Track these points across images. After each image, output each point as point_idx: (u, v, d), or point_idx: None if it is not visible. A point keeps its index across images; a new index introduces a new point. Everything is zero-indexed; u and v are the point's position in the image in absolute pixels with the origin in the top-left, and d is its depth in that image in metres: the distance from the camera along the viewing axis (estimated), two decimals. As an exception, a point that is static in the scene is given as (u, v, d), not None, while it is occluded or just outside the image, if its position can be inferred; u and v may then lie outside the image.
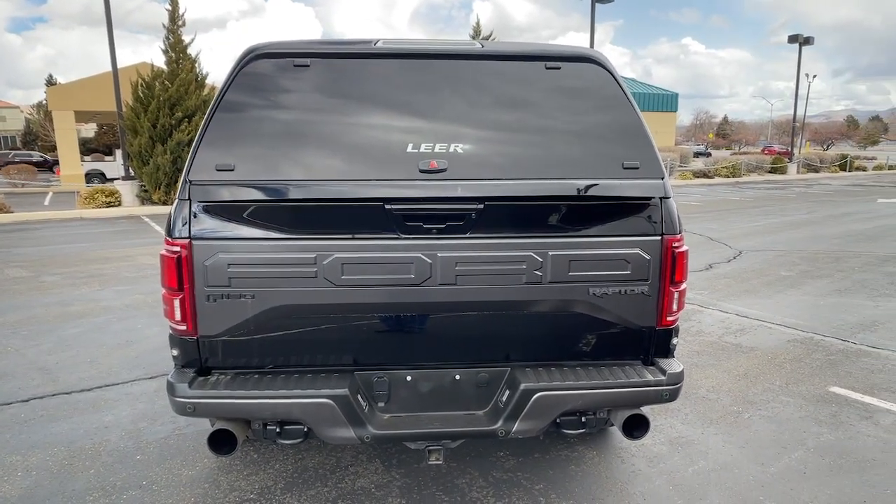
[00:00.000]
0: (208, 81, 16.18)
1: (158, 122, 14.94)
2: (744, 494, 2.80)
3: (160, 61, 15.77)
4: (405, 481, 2.93)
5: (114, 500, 2.75)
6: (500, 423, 2.21)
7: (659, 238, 2.25)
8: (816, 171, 31.97)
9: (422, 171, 2.16)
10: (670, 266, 2.25)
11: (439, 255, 2.15)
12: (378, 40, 2.36)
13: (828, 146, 63.26)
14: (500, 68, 2.34)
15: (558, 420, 2.28)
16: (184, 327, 2.19)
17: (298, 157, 2.18)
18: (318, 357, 2.28)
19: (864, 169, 35.28)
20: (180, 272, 2.14)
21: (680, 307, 2.33)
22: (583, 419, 2.32)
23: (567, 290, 2.22)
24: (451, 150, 2.19)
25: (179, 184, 2.21)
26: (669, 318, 2.31)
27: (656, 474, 2.98)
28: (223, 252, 2.13)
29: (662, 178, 2.25)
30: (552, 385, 2.19)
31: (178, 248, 2.14)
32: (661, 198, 2.25)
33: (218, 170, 2.14)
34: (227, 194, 2.13)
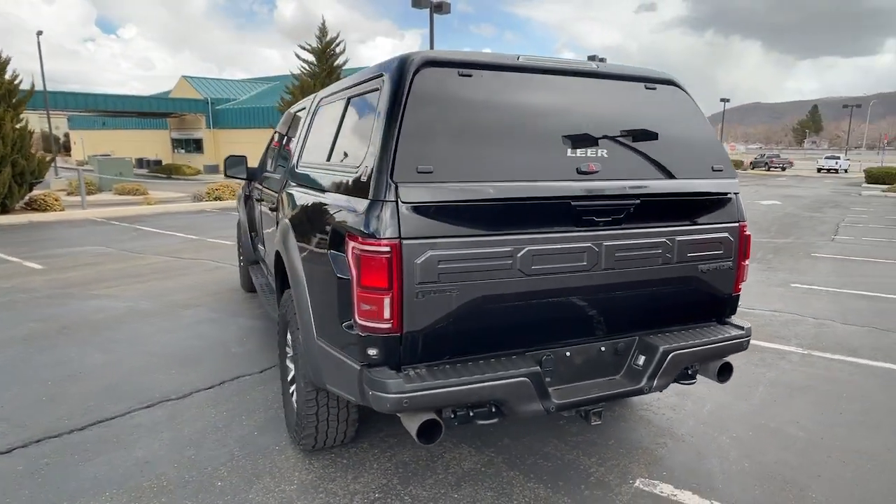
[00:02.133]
0: None
1: None
2: (748, 420, 3.61)
3: None
4: (504, 457, 3.20)
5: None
6: (644, 382, 2.64)
7: (737, 224, 2.88)
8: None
9: (580, 173, 2.50)
10: (742, 245, 2.90)
11: (604, 244, 2.52)
12: (518, 56, 2.63)
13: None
14: (616, 86, 2.77)
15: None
16: (388, 325, 2.24)
17: (480, 160, 2.36)
18: (500, 342, 2.48)
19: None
20: (391, 271, 2.20)
21: (745, 278, 2.99)
22: (690, 371, 2.86)
23: (685, 268, 2.73)
24: (599, 154, 2.56)
25: (372, 183, 2.25)
26: (740, 287, 2.96)
27: (685, 417, 3.66)
28: (432, 250, 2.24)
29: (736, 178, 2.90)
30: (681, 345, 2.69)
31: (387, 249, 2.19)
32: (735, 193, 2.89)
33: (419, 172, 2.24)
34: (433, 195, 2.24)
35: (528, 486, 2.93)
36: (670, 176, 2.69)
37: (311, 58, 20.26)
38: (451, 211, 2.27)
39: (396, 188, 2.20)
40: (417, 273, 2.22)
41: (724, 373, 2.86)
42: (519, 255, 2.36)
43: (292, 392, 3.34)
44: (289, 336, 3.34)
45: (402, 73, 2.36)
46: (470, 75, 2.46)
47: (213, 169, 32.95)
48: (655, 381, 2.65)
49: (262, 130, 33.61)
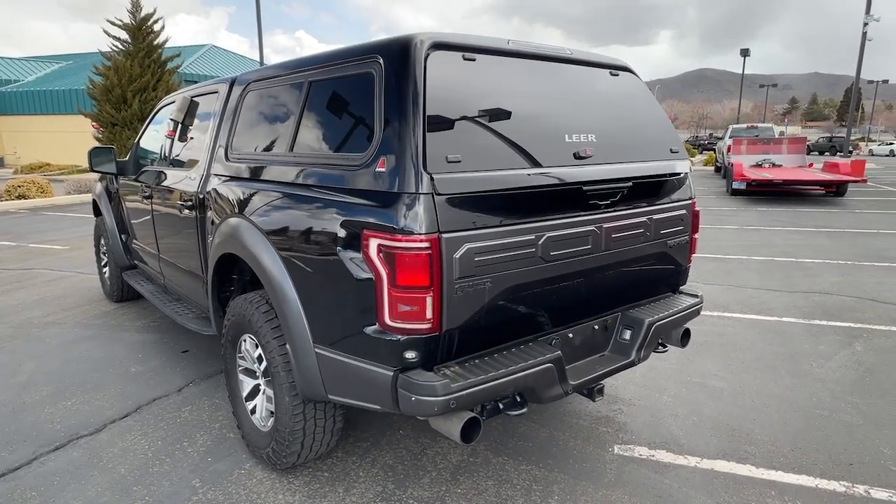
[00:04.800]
0: None
1: None
2: (676, 378, 4.02)
3: None
4: (484, 444, 3.19)
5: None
6: (633, 355, 2.80)
7: (691, 200, 3.15)
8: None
9: (577, 157, 2.55)
10: (695, 220, 3.19)
11: (604, 226, 2.60)
12: (508, 40, 2.59)
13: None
14: (589, 72, 2.86)
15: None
16: (428, 325, 2.09)
17: (494, 148, 2.30)
18: (519, 330, 2.45)
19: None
20: (432, 268, 2.06)
21: (695, 251, 3.29)
22: (661, 340, 3.08)
23: (658, 244, 2.93)
24: (588, 138, 2.63)
25: (400, 175, 2.07)
26: (691, 259, 3.26)
27: (625, 383, 3.95)
28: (468, 242, 2.13)
29: (687, 159, 3.16)
30: (661, 316, 2.89)
31: (426, 244, 2.05)
32: (687, 173, 3.16)
33: (449, 162, 2.12)
34: (467, 186, 2.13)
35: (522, 469, 2.97)
36: (645, 159, 2.86)
37: (124, 35, 17.95)
38: (484, 201, 2.19)
39: (432, 179, 2.06)
40: (456, 268, 2.11)
41: (685, 338, 3.13)
42: (540, 242, 2.35)
43: (253, 409, 3.01)
44: (243, 345, 2.99)
45: (412, 56, 2.20)
46: (474, 59, 2.38)
47: (-2, 162, 27.97)
48: (643, 353, 2.83)
49: (64, 117, 29.28)
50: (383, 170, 2.16)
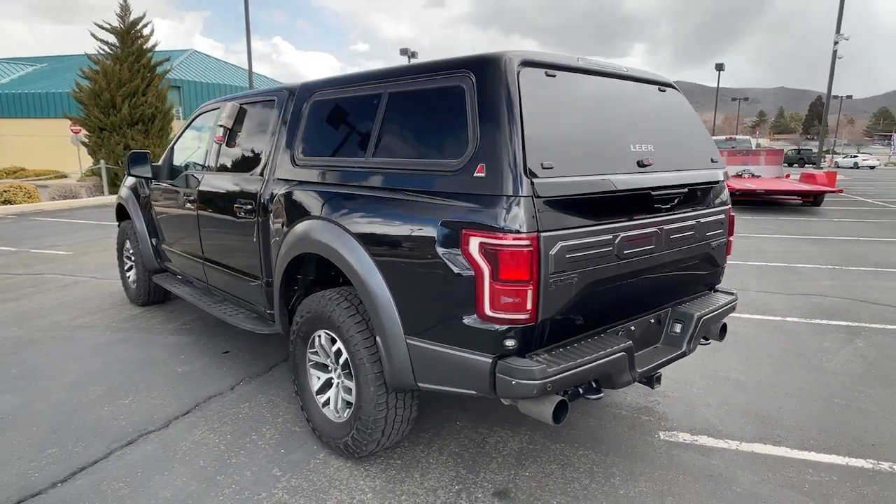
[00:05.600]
0: None
1: None
2: (701, 373, 4.29)
3: None
4: (540, 433, 3.41)
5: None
6: (685, 346, 3.05)
7: (728, 206, 3.43)
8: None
9: (640, 165, 2.81)
10: (731, 224, 3.47)
11: (664, 227, 2.85)
12: (578, 58, 2.84)
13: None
14: (643, 88, 3.13)
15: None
16: (527, 315, 2.31)
17: (578, 156, 2.54)
18: (594, 322, 2.68)
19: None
20: (532, 264, 2.28)
21: (730, 252, 3.57)
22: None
23: (703, 245, 3.19)
24: (648, 148, 2.89)
25: (504, 179, 2.29)
26: (726, 259, 3.54)
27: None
28: (561, 241, 2.36)
29: (725, 168, 3.45)
30: (707, 311, 3.15)
31: (528, 242, 2.27)
32: (723, 180, 3.44)
33: (544, 168, 2.35)
34: (561, 189, 2.36)
35: (581, 454, 3.20)
36: (693, 167, 3.13)
37: (112, 38, 17.82)
38: (573, 203, 2.43)
39: (532, 183, 2.29)
40: (551, 264, 2.34)
41: (723, 332, 3.40)
42: (617, 241, 2.59)
43: (325, 402, 3.19)
44: (317, 341, 3.16)
45: (507, 71, 2.42)
46: (554, 75, 2.62)
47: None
48: (692, 345, 3.08)
49: (40, 121, 28.80)
50: (482, 175, 2.37)
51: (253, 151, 3.93)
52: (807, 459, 3.16)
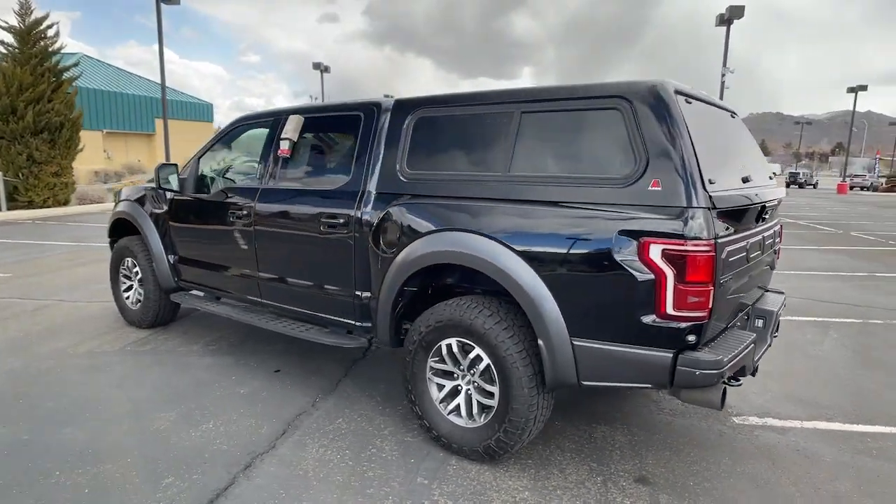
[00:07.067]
0: None
1: None
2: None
3: None
4: (620, 420, 3.71)
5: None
6: (769, 339, 3.49)
7: (780, 218, 3.96)
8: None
9: (743, 181, 3.22)
10: (781, 233, 3.99)
11: (763, 234, 3.28)
12: (694, 90, 3.21)
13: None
14: (726, 114, 3.56)
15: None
16: (704, 314, 2.61)
17: (720, 171, 2.89)
18: (725, 318, 3.02)
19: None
20: (712, 267, 2.58)
21: (779, 258, 4.10)
22: (769, 328, 3.82)
23: (772, 251, 3.67)
24: (743, 165, 3.32)
25: (688, 192, 2.57)
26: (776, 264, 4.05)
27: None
28: (727, 246, 2.69)
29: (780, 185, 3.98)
30: (780, 307, 3.63)
31: (708, 248, 2.56)
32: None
33: (710, 182, 2.66)
34: (727, 201, 2.71)
35: (683, 441, 3.53)
36: (767, 184, 3.60)
37: (10, 38, 16.14)
38: (731, 214, 2.78)
39: (709, 196, 2.60)
40: (722, 266, 2.66)
41: (778, 326, 3.90)
42: (747, 246, 2.97)
43: (454, 409, 3.29)
44: (444, 350, 3.26)
45: (670, 98, 2.72)
46: (691, 103, 2.96)
47: None
48: (772, 337, 3.53)
49: None
50: (658, 188, 2.65)
51: (336, 165, 3.94)
52: (861, 431, 3.71)
